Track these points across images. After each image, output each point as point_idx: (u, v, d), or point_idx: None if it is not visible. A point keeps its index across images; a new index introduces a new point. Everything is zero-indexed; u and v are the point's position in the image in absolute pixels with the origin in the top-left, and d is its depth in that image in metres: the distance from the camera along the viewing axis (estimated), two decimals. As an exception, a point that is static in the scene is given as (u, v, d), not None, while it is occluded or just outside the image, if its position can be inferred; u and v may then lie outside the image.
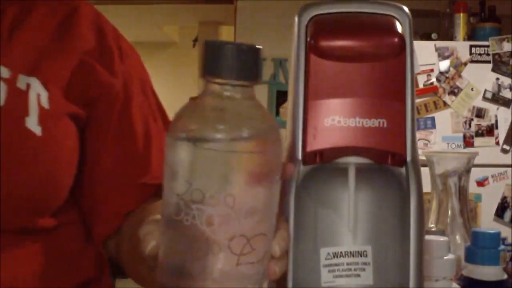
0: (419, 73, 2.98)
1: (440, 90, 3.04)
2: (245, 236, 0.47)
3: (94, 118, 0.82)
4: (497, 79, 3.05)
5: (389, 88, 0.60)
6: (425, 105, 3.04)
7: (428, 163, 1.13)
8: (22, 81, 0.76)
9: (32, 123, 0.74)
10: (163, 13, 5.44)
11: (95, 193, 0.82)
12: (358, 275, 0.61)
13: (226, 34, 5.86)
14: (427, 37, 3.12)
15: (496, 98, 3.05)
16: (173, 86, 5.46)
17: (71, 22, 0.84)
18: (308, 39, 0.60)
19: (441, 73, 3.04)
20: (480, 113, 3.06)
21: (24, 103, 0.75)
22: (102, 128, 0.82)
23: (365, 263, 0.61)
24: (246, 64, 0.48)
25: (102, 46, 0.84)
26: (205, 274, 0.47)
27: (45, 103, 0.77)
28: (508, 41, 3.05)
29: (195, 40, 5.94)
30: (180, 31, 6.70)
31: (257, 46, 0.48)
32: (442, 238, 0.85)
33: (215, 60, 0.47)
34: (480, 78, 3.05)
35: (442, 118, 3.05)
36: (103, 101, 0.82)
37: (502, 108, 3.05)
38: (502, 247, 0.89)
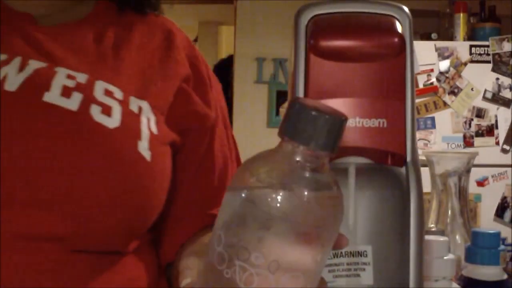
0: (419, 73, 2.99)
1: (440, 90, 3.04)
2: None
3: (185, 147, 0.81)
4: (497, 79, 3.05)
5: (389, 88, 0.60)
6: (425, 105, 3.04)
7: (428, 163, 1.13)
8: (134, 104, 0.75)
9: (144, 148, 0.72)
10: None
11: (167, 219, 0.81)
12: (358, 275, 0.61)
13: (226, 34, 5.86)
14: (427, 37, 3.13)
15: (496, 98, 3.05)
16: (173, 86, 5.45)
17: (169, 46, 0.83)
18: (308, 39, 0.60)
19: (441, 73, 3.04)
20: (480, 113, 3.06)
21: (137, 126, 0.73)
22: (190, 159, 0.82)
23: (365, 263, 0.61)
24: (327, 135, 0.47)
25: (197, 75, 0.84)
26: None
27: (154, 128, 0.75)
28: (508, 41, 3.06)
29: (195, 40, 5.94)
30: (180, 31, 6.70)
31: (343, 118, 0.47)
32: (442, 238, 0.85)
33: (296, 123, 0.46)
34: (480, 78, 3.05)
35: (442, 118, 3.05)
36: (197, 132, 0.82)
37: (502, 108, 3.05)
38: (502, 247, 0.89)
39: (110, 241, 0.71)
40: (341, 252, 0.61)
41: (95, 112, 0.70)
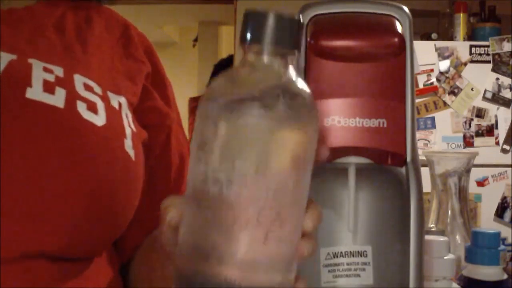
0: (419, 73, 2.98)
1: (440, 90, 3.04)
2: (275, 210, 0.44)
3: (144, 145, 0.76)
4: (497, 79, 3.05)
5: (389, 88, 0.60)
6: (425, 105, 3.04)
7: (428, 163, 1.13)
8: (113, 100, 0.69)
9: (129, 146, 0.67)
10: (163, 13, 5.44)
11: None
12: (358, 275, 0.61)
13: (226, 34, 5.86)
14: (427, 37, 3.13)
15: (496, 98, 3.05)
16: (173, 86, 5.45)
17: (127, 43, 0.79)
18: (308, 39, 0.60)
19: (441, 73, 3.04)
20: (480, 113, 3.06)
21: (121, 124, 0.68)
22: (147, 157, 0.76)
23: (365, 263, 0.61)
24: (284, 33, 0.46)
25: (155, 71, 0.81)
26: (230, 250, 0.44)
27: (132, 126, 0.71)
28: (508, 41, 3.05)
29: (195, 40, 5.94)
30: (180, 31, 6.70)
31: (296, 18, 0.47)
32: (442, 238, 0.85)
33: (253, 28, 0.47)
34: (480, 78, 3.05)
35: (442, 118, 3.05)
36: (155, 128, 0.78)
37: (502, 108, 3.05)
38: (502, 247, 0.89)
39: (92, 247, 0.66)
40: (341, 252, 0.61)
41: (82, 109, 0.64)
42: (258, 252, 0.44)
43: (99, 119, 0.65)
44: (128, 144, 0.67)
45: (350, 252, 0.61)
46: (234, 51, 3.74)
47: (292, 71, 0.47)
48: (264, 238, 0.44)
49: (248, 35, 0.47)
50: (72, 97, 0.65)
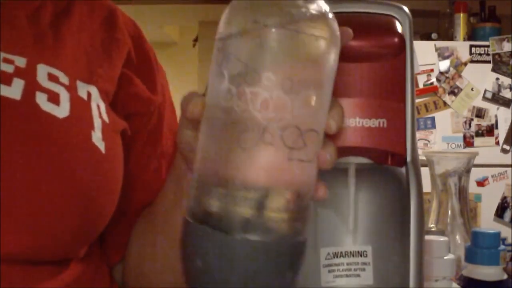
0: (419, 73, 2.99)
1: (440, 90, 3.04)
2: (299, 128, 0.42)
3: (128, 134, 0.74)
4: (497, 79, 3.05)
5: (389, 88, 0.60)
6: (425, 105, 3.04)
7: (428, 163, 1.13)
8: (82, 89, 0.67)
9: (97, 138, 0.64)
10: (163, 13, 5.44)
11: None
12: (358, 275, 0.61)
13: (226, 34, 5.85)
14: (427, 37, 3.13)
15: (496, 98, 3.05)
16: (173, 86, 5.45)
17: (111, 26, 0.75)
18: (308, 39, 0.60)
19: (441, 73, 3.04)
20: (480, 113, 3.06)
21: (89, 115, 0.65)
22: (132, 147, 0.74)
23: (365, 263, 0.61)
24: None
25: (141, 56, 0.77)
26: (252, 165, 0.42)
27: (105, 116, 0.68)
28: (508, 41, 3.06)
29: (195, 40, 5.94)
30: (180, 31, 6.70)
31: None
32: (442, 238, 0.85)
33: None
34: (480, 78, 3.05)
35: (442, 118, 3.05)
36: (139, 118, 0.75)
37: (502, 108, 3.05)
38: (502, 247, 0.89)
39: (63, 248, 0.63)
40: (341, 252, 0.61)
41: (41, 100, 0.62)
42: (280, 168, 0.43)
43: (61, 111, 0.63)
44: (96, 136, 0.65)
45: (350, 252, 0.61)
46: (234, 51, 3.74)
47: None
48: (286, 157, 0.43)
49: None
50: (31, 88, 0.62)
